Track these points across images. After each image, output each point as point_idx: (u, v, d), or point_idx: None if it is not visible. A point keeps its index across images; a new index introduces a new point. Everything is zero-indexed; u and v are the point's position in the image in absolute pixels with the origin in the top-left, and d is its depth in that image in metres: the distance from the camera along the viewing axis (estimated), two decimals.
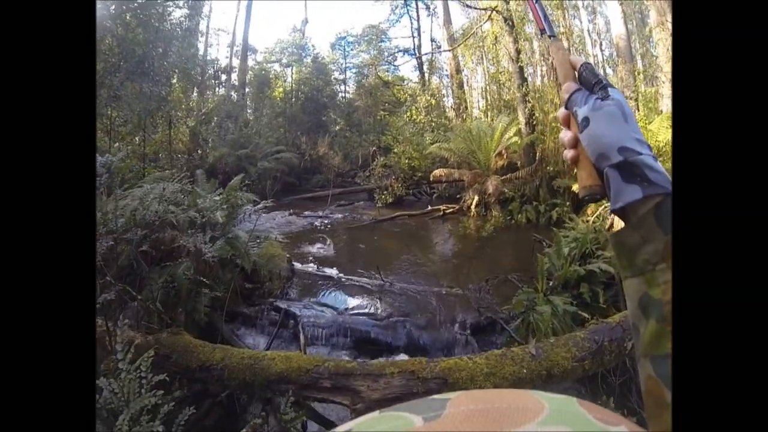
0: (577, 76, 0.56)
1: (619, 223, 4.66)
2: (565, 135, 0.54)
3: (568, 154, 0.53)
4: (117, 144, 8.18)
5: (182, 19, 10.04)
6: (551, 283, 4.74)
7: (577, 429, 0.23)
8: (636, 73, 10.32)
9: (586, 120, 0.50)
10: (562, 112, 0.55)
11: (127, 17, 8.37)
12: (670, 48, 7.51)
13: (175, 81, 11.60)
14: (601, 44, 16.23)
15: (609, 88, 0.51)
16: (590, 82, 0.53)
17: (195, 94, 17.20)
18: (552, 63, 10.45)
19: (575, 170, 0.54)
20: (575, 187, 8.20)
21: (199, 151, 12.83)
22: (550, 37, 0.64)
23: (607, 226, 7.14)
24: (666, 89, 7.98)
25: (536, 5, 0.65)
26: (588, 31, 15.02)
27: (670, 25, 7.53)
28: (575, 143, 0.53)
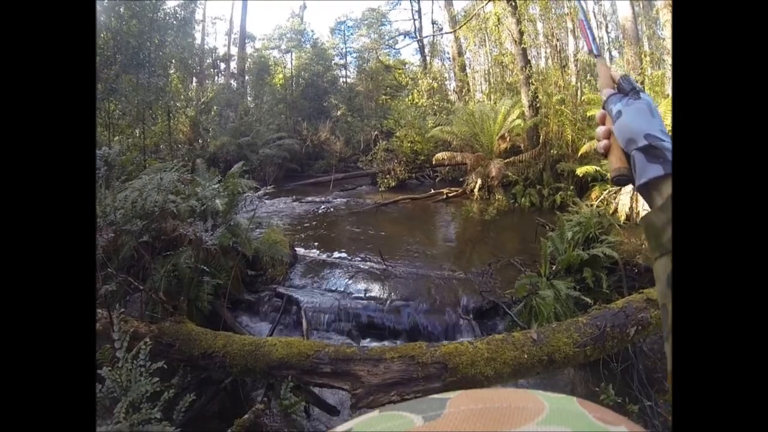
0: (616, 85, 0.66)
1: (622, 208, 4.65)
2: (600, 129, 0.64)
3: (601, 143, 0.63)
4: (117, 137, 8.15)
5: (177, 8, 9.89)
6: (554, 268, 4.73)
7: (577, 429, 0.23)
8: (642, 56, 10.13)
9: (619, 113, 0.60)
10: (599, 112, 0.65)
11: (121, 10, 8.27)
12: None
13: (172, 71, 11.51)
14: (607, 26, 15.97)
15: (641, 93, 0.61)
16: (626, 90, 0.63)
17: (194, 83, 17.11)
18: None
19: (606, 159, 0.64)
20: (579, 171, 8.19)
21: (200, 141, 12.80)
22: (596, 56, 0.75)
23: (611, 211, 7.10)
24: None
25: (588, 29, 0.78)
26: (594, 12, 14.76)
27: None
28: (608, 135, 0.62)
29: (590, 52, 0.77)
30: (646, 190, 0.55)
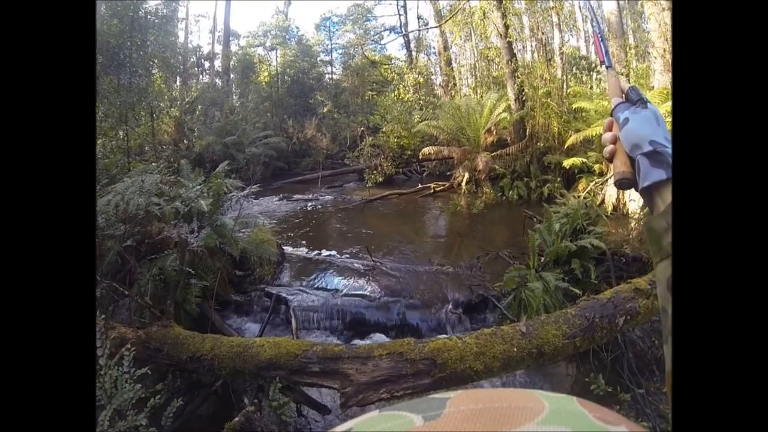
0: (624, 95, 0.70)
1: (609, 199, 4.69)
2: (607, 135, 0.67)
3: (608, 148, 0.66)
4: (100, 140, 7.99)
5: (158, 6, 9.74)
6: (542, 260, 4.75)
7: (577, 429, 0.23)
8: (627, 49, 10.20)
9: (626, 119, 0.63)
10: (607, 119, 0.69)
11: (102, 9, 8.12)
12: (661, 23, 7.45)
13: (155, 71, 11.34)
14: (592, 20, 16.05)
15: (648, 103, 0.65)
16: (634, 99, 0.67)
17: (178, 83, 16.90)
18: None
19: (611, 163, 0.67)
20: (566, 163, 8.24)
21: (186, 141, 12.66)
22: (607, 67, 0.79)
23: (598, 202, 7.15)
24: (657, 65, 7.91)
25: (601, 42, 0.82)
26: (579, 6, 14.82)
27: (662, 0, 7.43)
28: (614, 141, 0.65)
29: (602, 63, 0.81)
30: (649, 193, 0.58)
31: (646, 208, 0.59)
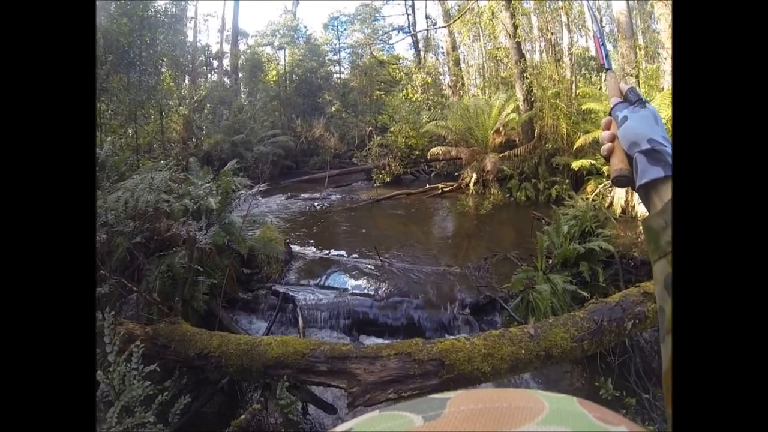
0: (623, 96, 0.70)
1: (618, 201, 4.66)
2: (605, 133, 0.67)
3: (605, 146, 0.66)
4: (109, 137, 8.07)
5: (168, 5, 9.81)
6: (550, 262, 4.72)
7: (577, 429, 0.23)
8: (637, 49, 10.12)
9: (625, 118, 0.64)
10: (605, 118, 0.69)
11: (111, 8, 8.18)
12: (671, 23, 7.38)
13: (164, 70, 11.40)
14: (601, 20, 15.96)
15: (646, 103, 0.65)
16: (632, 100, 0.67)
17: (187, 81, 16.98)
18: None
19: (609, 161, 0.67)
20: (575, 165, 8.19)
21: (194, 139, 12.70)
22: (607, 69, 0.80)
23: (606, 204, 7.11)
24: (667, 66, 7.84)
25: (601, 45, 0.83)
26: (588, 6, 14.70)
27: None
28: (612, 139, 0.66)
29: (602, 66, 0.82)
30: (646, 191, 0.58)
31: None
